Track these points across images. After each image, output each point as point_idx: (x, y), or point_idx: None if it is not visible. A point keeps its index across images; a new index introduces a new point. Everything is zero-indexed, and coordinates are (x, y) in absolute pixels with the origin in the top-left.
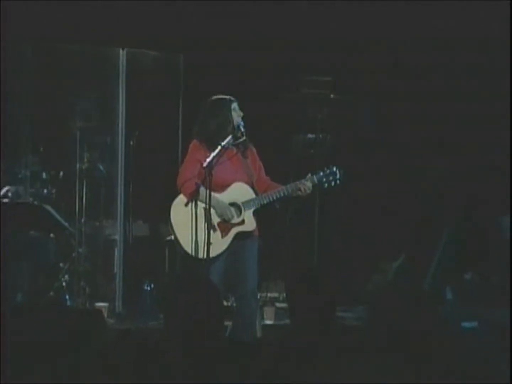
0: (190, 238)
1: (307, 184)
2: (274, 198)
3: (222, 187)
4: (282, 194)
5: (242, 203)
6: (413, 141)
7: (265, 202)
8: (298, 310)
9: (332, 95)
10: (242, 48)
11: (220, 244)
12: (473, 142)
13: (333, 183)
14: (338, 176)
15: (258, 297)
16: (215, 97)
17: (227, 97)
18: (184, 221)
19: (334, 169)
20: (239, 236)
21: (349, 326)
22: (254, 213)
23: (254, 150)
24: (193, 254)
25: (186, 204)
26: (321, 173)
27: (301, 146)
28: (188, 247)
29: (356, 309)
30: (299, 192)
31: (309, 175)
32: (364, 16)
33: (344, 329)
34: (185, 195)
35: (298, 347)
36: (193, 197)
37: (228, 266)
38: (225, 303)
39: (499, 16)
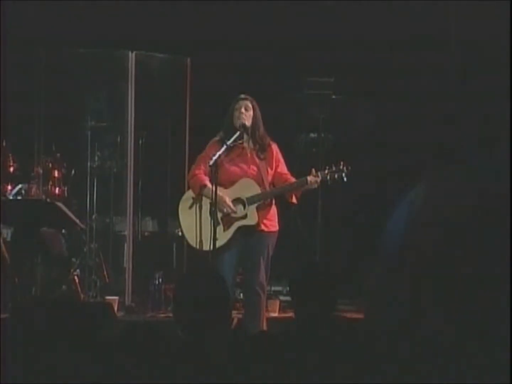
0: (194, 231)
1: (314, 179)
2: (278, 193)
3: (230, 183)
4: (285, 190)
5: (246, 198)
6: (414, 141)
7: (268, 197)
8: (301, 303)
9: (334, 96)
10: (246, 49)
11: (221, 237)
12: (472, 142)
13: (336, 176)
14: (343, 174)
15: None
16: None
17: (239, 96)
18: (191, 215)
19: (341, 166)
20: (241, 230)
21: (350, 319)
22: (258, 208)
23: (274, 145)
24: (197, 247)
25: (193, 199)
26: (326, 170)
27: (304, 145)
28: (193, 240)
29: (357, 302)
30: (306, 187)
31: (313, 170)
32: (366, 16)
33: (345, 322)
34: (192, 189)
35: (301, 339)
36: (199, 192)
37: (233, 259)
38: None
39: (499, 16)
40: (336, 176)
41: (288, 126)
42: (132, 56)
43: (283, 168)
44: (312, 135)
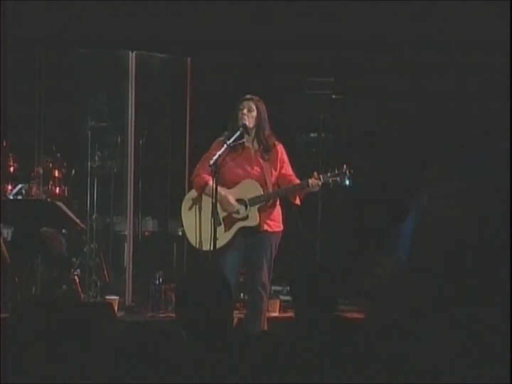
0: (195, 231)
1: (316, 182)
2: (280, 194)
3: (233, 183)
4: (287, 192)
5: (248, 199)
6: (414, 141)
7: (270, 199)
8: (301, 303)
9: (334, 95)
10: (246, 49)
11: (222, 237)
12: (473, 141)
13: (339, 180)
14: (346, 178)
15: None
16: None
17: (244, 96)
18: (193, 215)
19: (344, 170)
20: (242, 231)
21: (350, 319)
22: (260, 209)
23: (279, 146)
24: (198, 246)
25: (196, 199)
26: (328, 174)
27: (304, 145)
28: (193, 240)
29: (357, 302)
30: (307, 189)
31: (315, 173)
32: (366, 16)
33: (345, 322)
34: (195, 189)
35: (301, 339)
36: (202, 191)
37: (235, 260)
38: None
39: (499, 16)
40: (338, 179)
41: (288, 126)
42: (132, 56)
43: (287, 169)
44: (312, 135)
